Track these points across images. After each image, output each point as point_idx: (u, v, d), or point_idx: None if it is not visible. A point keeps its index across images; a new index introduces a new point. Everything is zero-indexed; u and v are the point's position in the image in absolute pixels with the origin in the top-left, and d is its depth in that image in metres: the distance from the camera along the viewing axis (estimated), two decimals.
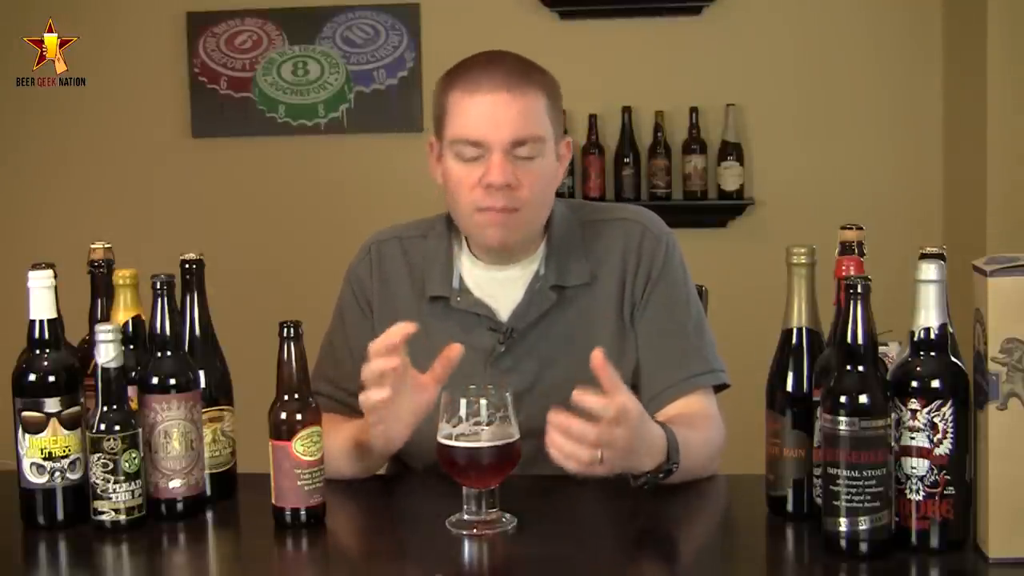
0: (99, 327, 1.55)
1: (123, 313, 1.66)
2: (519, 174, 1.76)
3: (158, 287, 1.60)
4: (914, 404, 1.38)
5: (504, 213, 1.77)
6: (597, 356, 1.50)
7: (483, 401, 1.54)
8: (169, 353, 1.60)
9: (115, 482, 1.54)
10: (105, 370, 1.54)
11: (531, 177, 1.77)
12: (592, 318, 1.85)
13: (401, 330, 1.59)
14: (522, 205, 1.77)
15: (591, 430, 1.47)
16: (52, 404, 1.58)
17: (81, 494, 1.59)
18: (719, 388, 1.87)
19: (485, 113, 1.75)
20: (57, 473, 1.59)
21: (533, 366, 1.83)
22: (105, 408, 1.55)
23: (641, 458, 1.57)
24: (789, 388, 1.54)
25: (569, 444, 1.49)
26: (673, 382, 1.81)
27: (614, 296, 1.86)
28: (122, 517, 1.56)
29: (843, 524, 1.38)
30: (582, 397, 1.48)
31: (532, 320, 1.84)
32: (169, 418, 1.59)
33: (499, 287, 1.86)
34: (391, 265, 1.91)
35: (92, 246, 1.76)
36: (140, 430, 1.57)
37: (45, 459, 1.58)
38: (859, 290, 1.39)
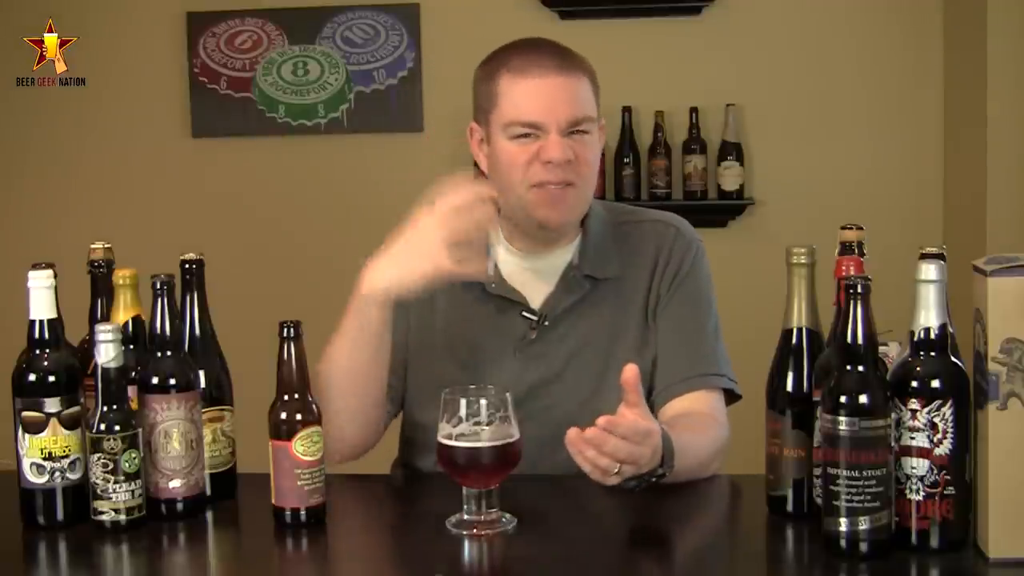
0: (99, 327, 1.55)
1: (123, 313, 1.66)
2: (576, 149, 1.79)
3: (158, 287, 1.60)
4: (914, 404, 1.38)
5: (561, 188, 1.79)
6: (630, 372, 1.51)
7: (483, 401, 1.54)
8: (169, 353, 1.60)
9: (115, 482, 1.54)
10: (105, 370, 1.54)
11: (586, 153, 1.81)
12: (620, 313, 1.87)
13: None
14: (579, 180, 1.80)
15: (623, 448, 1.48)
16: (52, 404, 1.58)
17: (81, 494, 1.59)
18: (730, 397, 1.88)
19: (540, 96, 1.78)
20: (57, 473, 1.58)
21: (561, 355, 1.85)
22: (105, 408, 1.55)
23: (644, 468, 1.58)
24: (789, 388, 1.54)
25: (591, 451, 1.50)
26: (685, 376, 1.83)
27: (642, 292, 1.88)
28: (122, 517, 1.56)
29: (843, 524, 1.38)
30: (614, 422, 1.48)
31: (564, 308, 1.86)
32: (169, 418, 1.59)
33: (532, 277, 1.89)
34: None
35: (92, 246, 1.76)
36: (140, 430, 1.57)
37: (45, 459, 1.58)
38: (859, 290, 1.39)
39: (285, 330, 1.56)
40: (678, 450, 1.60)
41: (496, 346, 1.84)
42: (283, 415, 1.55)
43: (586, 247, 1.88)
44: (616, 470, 1.50)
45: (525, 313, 1.86)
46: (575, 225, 1.89)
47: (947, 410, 1.37)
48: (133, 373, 1.61)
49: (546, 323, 1.85)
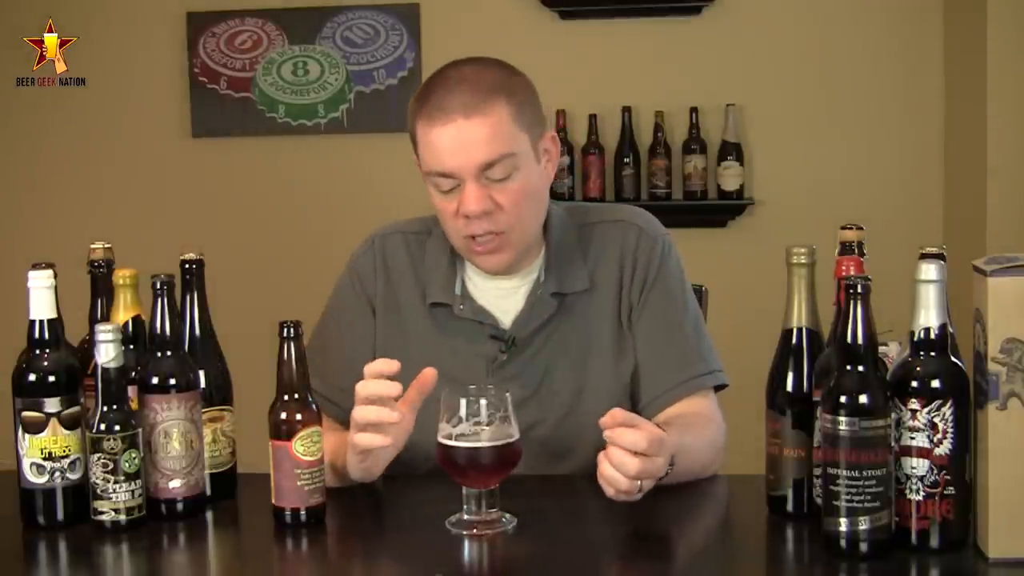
0: (99, 327, 1.55)
1: (123, 313, 1.66)
2: (496, 196, 1.74)
3: (158, 287, 1.60)
4: (914, 404, 1.38)
5: (489, 238, 1.76)
6: (608, 418, 1.51)
7: (483, 401, 1.54)
8: (169, 353, 1.60)
9: (115, 482, 1.54)
10: (105, 370, 1.54)
11: (509, 196, 1.74)
12: (592, 324, 1.85)
13: (389, 365, 1.58)
14: (505, 227, 1.76)
15: (632, 463, 1.49)
16: (52, 404, 1.58)
17: (81, 494, 1.59)
18: (718, 388, 1.87)
19: (449, 144, 1.72)
20: (57, 473, 1.58)
21: (535, 373, 1.83)
22: (105, 408, 1.55)
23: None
24: (789, 388, 1.54)
25: (609, 469, 1.51)
26: (674, 384, 1.81)
27: (612, 300, 1.85)
28: (122, 517, 1.56)
29: (843, 524, 1.38)
30: (615, 436, 1.49)
31: (534, 328, 1.83)
32: (169, 418, 1.59)
33: (501, 295, 1.86)
34: (395, 262, 1.90)
35: (92, 246, 1.76)
36: (140, 430, 1.57)
37: (45, 459, 1.58)
38: (859, 290, 1.39)
39: (285, 330, 1.56)
40: (678, 450, 1.60)
41: (469, 368, 1.81)
42: (283, 415, 1.55)
43: (551, 261, 1.85)
44: (638, 489, 1.52)
45: (494, 335, 1.83)
46: (526, 252, 1.84)
47: (947, 410, 1.37)
48: (133, 373, 1.61)
49: (516, 343, 1.82)
